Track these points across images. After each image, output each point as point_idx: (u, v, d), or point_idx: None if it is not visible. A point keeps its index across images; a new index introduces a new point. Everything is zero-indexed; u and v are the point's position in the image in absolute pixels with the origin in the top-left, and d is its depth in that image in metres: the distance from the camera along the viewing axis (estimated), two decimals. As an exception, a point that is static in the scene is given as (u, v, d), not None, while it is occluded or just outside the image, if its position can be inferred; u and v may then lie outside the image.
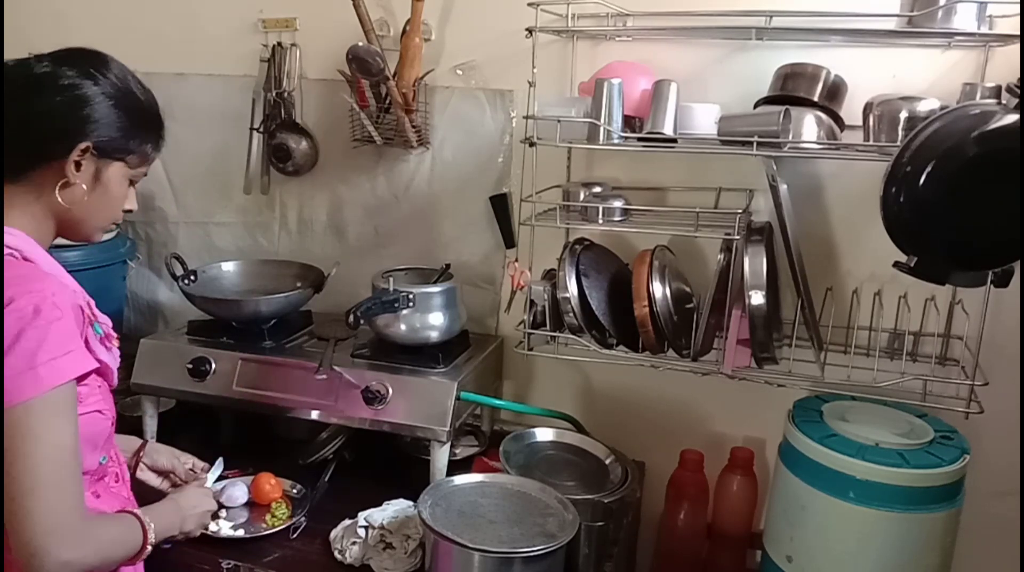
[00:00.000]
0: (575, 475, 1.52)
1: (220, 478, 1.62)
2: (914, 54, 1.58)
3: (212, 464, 1.59)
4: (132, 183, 1.22)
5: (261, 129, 2.04)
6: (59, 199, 1.13)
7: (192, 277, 1.89)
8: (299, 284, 1.92)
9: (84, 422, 1.11)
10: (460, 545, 1.24)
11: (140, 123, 1.18)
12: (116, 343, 1.23)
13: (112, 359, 1.20)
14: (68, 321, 1.07)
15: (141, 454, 1.47)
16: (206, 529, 1.45)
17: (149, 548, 1.19)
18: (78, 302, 1.12)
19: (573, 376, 1.94)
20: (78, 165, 1.12)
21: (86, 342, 1.12)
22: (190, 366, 1.71)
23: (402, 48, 1.81)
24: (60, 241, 1.23)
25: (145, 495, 1.38)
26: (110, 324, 1.22)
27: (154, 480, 1.48)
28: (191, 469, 1.53)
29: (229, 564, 1.43)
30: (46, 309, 1.04)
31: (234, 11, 2.02)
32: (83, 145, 1.11)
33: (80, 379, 1.10)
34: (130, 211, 1.25)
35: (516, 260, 1.73)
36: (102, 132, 1.13)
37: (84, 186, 1.14)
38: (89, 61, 1.15)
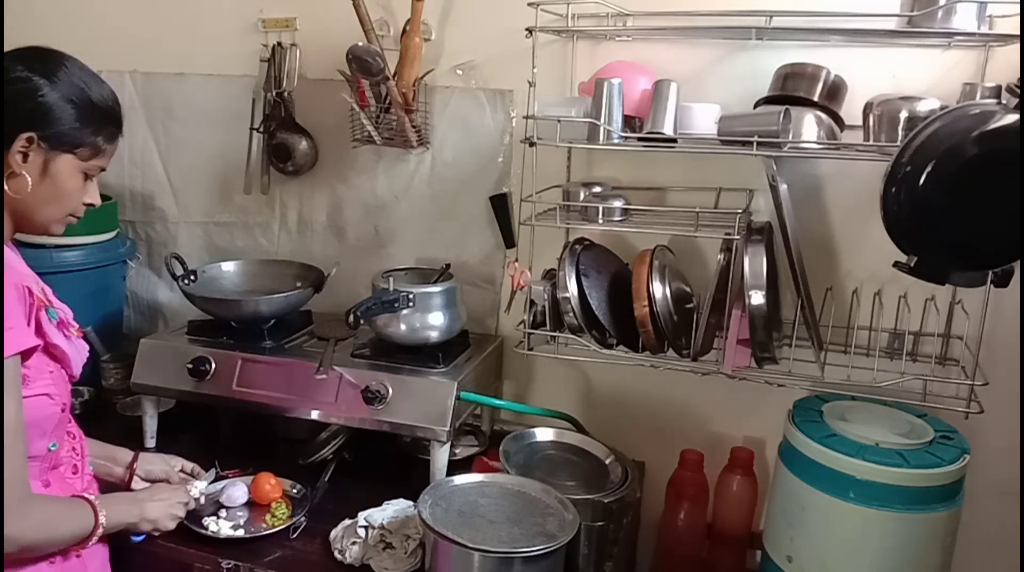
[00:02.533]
0: (575, 475, 1.52)
1: (219, 478, 1.62)
2: (914, 54, 1.58)
3: (208, 468, 1.60)
4: (89, 177, 1.24)
5: (261, 129, 2.04)
6: (6, 189, 1.15)
7: (192, 277, 1.89)
8: (299, 284, 1.92)
9: (29, 405, 1.13)
10: (460, 545, 1.24)
11: (90, 116, 1.20)
12: (78, 334, 1.26)
13: (72, 348, 1.22)
14: (8, 300, 1.09)
15: (135, 465, 1.48)
16: (206, 528, 1.46)
17: (100, 531, 1.21)
18: (25, 284, 1.14)
19: (573, 376, 1.94)
20: (24, 155, 1.15)
21: (38, 324, 1.15)
22: (190, 366, 1.71)
23: (402, 48, 1.81)
24: (61, 241, 1.24)
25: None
26: (70, 314, 1.25)
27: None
28: (181, 471, 1.53)
29: (229, 564, 1.43)
30: None
31: (234, 11, 2.02)
32: (26, 135, 1.14)
33: (24, 357, 1.12)
34: (91, 205, 1.26)
35: (516, 260, 1.73)
36: (48, 124, 1.15)
37: (30, 177, 1.16)
38: (42, 58, 1.18)
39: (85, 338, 1.31)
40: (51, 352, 1.18)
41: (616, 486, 1.48)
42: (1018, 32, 1.40)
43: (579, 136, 1.57)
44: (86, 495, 1.25)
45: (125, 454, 1.50)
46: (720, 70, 1.68)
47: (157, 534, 1.38)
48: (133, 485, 1.47)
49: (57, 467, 1.25)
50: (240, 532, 1.49)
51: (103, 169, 1.26)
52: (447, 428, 1.57)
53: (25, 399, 1.13)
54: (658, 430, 1.89)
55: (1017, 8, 1.42)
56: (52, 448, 1.23)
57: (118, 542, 1.35)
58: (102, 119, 1.22)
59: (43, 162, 1.17)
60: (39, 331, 1.16)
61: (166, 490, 1.44)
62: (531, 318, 1.69)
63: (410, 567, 1.41)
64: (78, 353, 1.25)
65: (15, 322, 1.10)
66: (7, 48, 1.18)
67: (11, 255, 1.19)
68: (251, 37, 2.02)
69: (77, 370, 1.25)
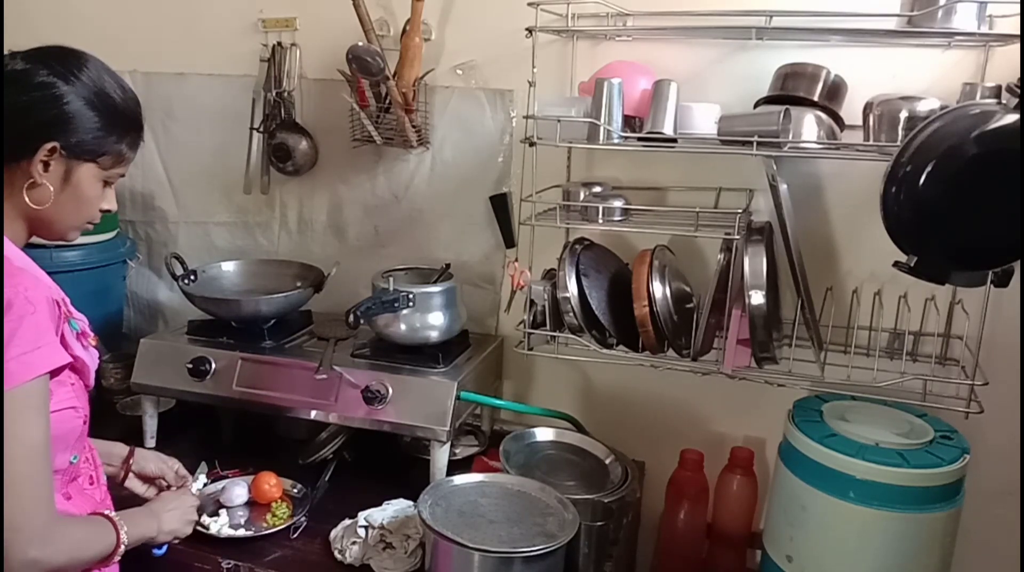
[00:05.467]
0: (575, 475, 1.53)
1: (219, 478, 1.62)
2: (914, 54, 1.58)
3: (198, 472, 1.59)
4: (108, 184, 1.21)
5: (261, 129, 2.04)
6: (26, 199, 1.12)
7: (192, 277, 1.89)
8: (299, 284, 1.92)
9: (55, 419, 1.11)
10: (460, 545, 1.24)
11: (114, 124, 1.16)
12: (93, 343, 1.22)
13: (89, 357, 1.19)
14: (41, 316, 1.06)
15: (130, 462, 1.46)
16: (206, 528, 1.46)
17: (122, 549, 1.19)
18: (53, 297, 1.11)
19: (573, 376, 1.94)
20: (46, 165, 1.12)
21: (62, 337, 1.12)
22: (190, 366, 1.71)
23: (402, 48, 1.81)
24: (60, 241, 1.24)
25: (126, 502, 1.37)
26: (87, 322, 1.21)
27: (139, 488, 1.46)
28: (177, 472, 1.51)
29: (229, 564, 1.43)
30: (18, 303, 1.04)
31: (234, 11, 2.02)
32: (49, 145, 1.10)
33: (53, 375, 1.09)
34: (108, 211, 1.23)
35: (516, 260, 1.73)
36: (71, 133, 1.12)
37: (51, 187, 1.13)
38: (64, 60, 1.13)
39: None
40: (72, 365, 1.15)
41: (616, 486, 1.48)
42: (1018, 32, 1.40)
43: (579, 136, 1.57)
44: (107, 512, 1.23)
45: (118, 448, 1.47)
46: (720, 70, 1.68)
47: (177, 541, 1.36)
48: (127, 484, 1.44)
49: (76, 479, 1.24)
50: (240, 532, 1.49)
51: (123, 175, 1.23)
52: (447, 428, 1.57)
53: (51, 413, 1.10)
54: (658, 430, 1.89)
55: (1017, 8, 1.42)
56: (73, 461, 1.21)
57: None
58: (126, 126, 1.18)
59: (64, 171, 1.13)
60: (63, 345, 1.12)
61: (174, 499, 1.41)
62: (531, 318, 1.69)
63: (410, 567, 1.41)
64: (93, 362, 1.21)
65: (46, 340, 1.07)
66: (10, 48, 1.15)
67: (35, 267, 1.15)
68: (251, 37, 2.02)
69: (92, 380, 1.22)
